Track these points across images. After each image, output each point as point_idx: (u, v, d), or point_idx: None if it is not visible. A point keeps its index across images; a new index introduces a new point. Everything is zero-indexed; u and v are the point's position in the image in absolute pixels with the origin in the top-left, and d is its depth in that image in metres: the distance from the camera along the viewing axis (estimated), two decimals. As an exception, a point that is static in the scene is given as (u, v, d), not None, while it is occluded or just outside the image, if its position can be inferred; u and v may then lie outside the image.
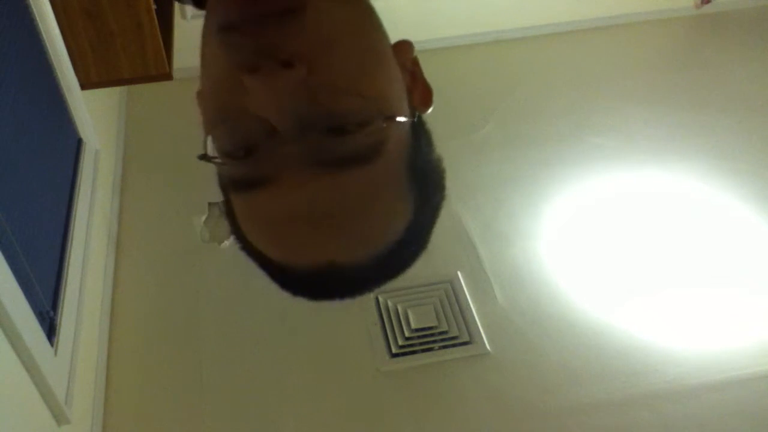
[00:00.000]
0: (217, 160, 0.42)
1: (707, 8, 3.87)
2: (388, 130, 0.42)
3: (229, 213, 0.47)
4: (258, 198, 0.41)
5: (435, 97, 0.49)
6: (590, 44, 3.69)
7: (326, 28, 0.41)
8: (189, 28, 3.23)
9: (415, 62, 0.49)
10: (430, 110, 0.49)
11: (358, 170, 0.41)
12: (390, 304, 2.33)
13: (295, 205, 0.41)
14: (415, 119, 0.47)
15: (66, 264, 1.88)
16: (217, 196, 0.49)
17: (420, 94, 0.48)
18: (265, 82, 0.38)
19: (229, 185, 0.44)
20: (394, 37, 0.48)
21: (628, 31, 3.77)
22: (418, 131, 0.47)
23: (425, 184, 0.46)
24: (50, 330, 1.68)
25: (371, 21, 0.44)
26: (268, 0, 0.39)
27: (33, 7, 1.95)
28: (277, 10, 0.39)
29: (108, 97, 2.94)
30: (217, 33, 0.41)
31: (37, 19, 1.97)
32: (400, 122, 0.43)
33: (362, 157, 0.41)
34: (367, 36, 0.43)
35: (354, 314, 2.31)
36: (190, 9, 3.27)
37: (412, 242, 0.46)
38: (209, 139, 0.43)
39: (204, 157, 0.43)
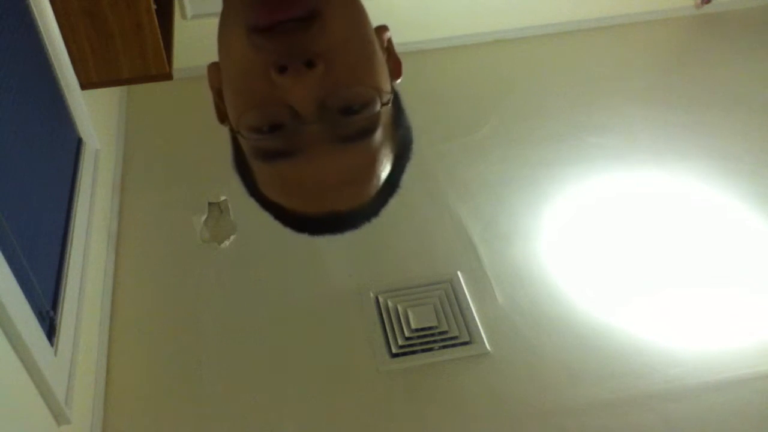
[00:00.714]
0: (246, 135, 0.53)
1: (707, 8, 3.87)
2: (381, 112, 0.53)
3: (243, 173, 0.60)
4: (285, 166, 0.53)
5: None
6: (590, 44, 3.69)
7: (338, 30, 0.51)
8: (189, 28, 3.23)
9: (390, 41, 0.60)
10: (400, 80, 0.61)
11: (362, 143, 0.53)
12: (390, 304, 2.34)
13: (317, 171, 0.53)
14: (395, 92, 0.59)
15: (66, 264, 1.88)
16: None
17: (393, 66, 0.60)
18: (293, 80, 0.48)
19: (255, 155, 0.54)
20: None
21: (628, 31, 3.77)
22: (396, 100, 0.59)
23: (402, 144, 0.59)
24: (50, 330, 1.68)
25: (365, 16, 0.55)
26: (293, 8, 0.49)
27: (33, 7, 1.95)
28: (300, 17, 0.49)
29: (108, 97, 2.94)
30: (247, 34, 0.50)
31: (37, 19, 1.98)
32: (389, 101, 0.55)
33: (365, 132, 0.52)
34: (366, 32, 0.54)
35: (354, 314, 2.31)
36: (190, 9, 3.27)
37: (390, 189, 0.60)
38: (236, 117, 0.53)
39: (236, 132, 0.54)
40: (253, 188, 0.59)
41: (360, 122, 0.52)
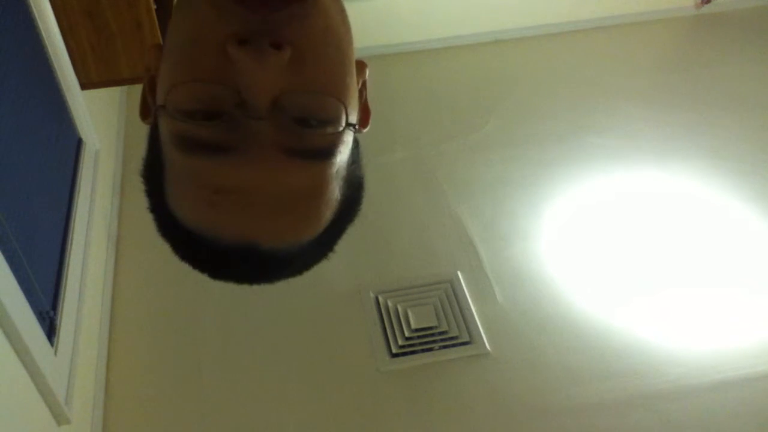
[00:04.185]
0: (174, 114, 0.42)
1: (707, 8, 3.87)
2: (343, 135, 0.44)
3: (150, 179, 0.48)
4: (211, 164, 0.41)
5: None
6: (590, 44, 3.69)
7: (323, 26, 0.42)
8: (189, 28, 3.23)
9: (365, 83, 0.51)
10: (366, 130, 0.51)
11: (315, 165, 0.43)
12: (390, 304, 2.33)
13: (251, 178, 0.41)
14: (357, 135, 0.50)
15: (66, 264, 1.88)
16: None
17: (362, 114, 0.51)
18: (252, 57, 0.39)
19: (176, 143, 0.43)
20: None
21: (628, 31, 3.77)
22: (356, 145, 0.49)
23: (351, 194, 0.49)
24: (50, 330, 1.68)
25: (351, 37, 0.47)
26: None
27: (33, 7, 1.94)
28: None
29: (108, 97, 2.94)
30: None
31: (37, 19, 1.97)
32: (352, 131, 0.45)
33: (321, 154, 0.43)
34: (349, 48, 0.46)
35: (354, 314, 2.31)
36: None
37: (323, 249, 0.48)
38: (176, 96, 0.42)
39: (158, 108, 0.43)
40: (157, 199, 0.48)
41: (317, 139, 0.42)
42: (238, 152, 0.41)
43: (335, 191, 0.46)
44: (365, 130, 0.51)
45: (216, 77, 0.40)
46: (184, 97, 0.41)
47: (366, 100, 0.52)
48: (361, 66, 0.49)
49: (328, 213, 0.46)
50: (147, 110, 0.49)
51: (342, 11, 0.46)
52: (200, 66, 0.41)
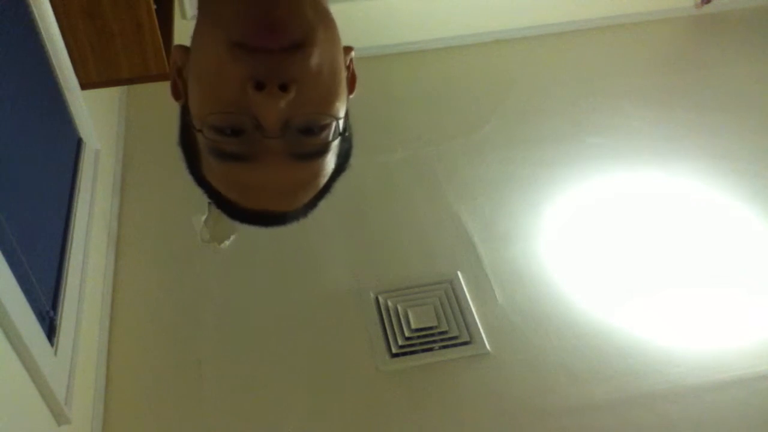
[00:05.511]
0: (207, 134, 0.57)
1: (707, 8, 3.87)
2: (336, 138, 0.59)
3: (186, 149, 0.65)
4: (236, 168, 0.58)
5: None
6: (590, 44, 3.69)
7: (316, 63, 0.55)
8: (189, 28, 3.21)
9: (351, 60, 0.66)
10: (353, 95, 0.65)
11: (314, 162, 0.59)
12: (390, 304, 2.33)
13: (264, 180, 0.58)
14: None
15: (66, 264, 1.88)
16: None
17: (350, 81, 0.64)
18: (266, 99, 0.53)
19: (210, 152, 0.58)
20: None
21: (628, 31, 3.77)
22: (345, 115, 0.63)
23: (343, 157, 0.65)
24: (50, 330, 1.68)
25: (340, 48, 0.59)
26: (283, 39, 0.53)
27: (33, 7, 1.94)
28: (287, 45, 0.53)
29: (108, 97, 2.94)
30: (230, 46, 0.54)
31: (37, 19, 1.97)
32: (345, 129, 0.60)
33: (319, 153, 0.59)
34: (338, 65, 0.58)
35: (354, 314, 2.31)
36: (190, 9, 3.27)
37: (322, 194, 0.65)
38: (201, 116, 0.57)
39: (198, 130, 0.58)
40: (194, 166, 0.64)
41: (316, 143, 0.58)
42: (253, 161, 0.57)
43: (330, 166, 0.62)
44: (352, 96, 0.64)
45: (239, 108, 0.54)
46: (216, 121, 0.56)
47: (353, 71, 0.65)
48: (347, 50, 0.63)
49: (324, 182, 0.63)
50: (177, 92, 0.65)
51: (331, 28, 0.58)
52: (226, 99, 0.55)
